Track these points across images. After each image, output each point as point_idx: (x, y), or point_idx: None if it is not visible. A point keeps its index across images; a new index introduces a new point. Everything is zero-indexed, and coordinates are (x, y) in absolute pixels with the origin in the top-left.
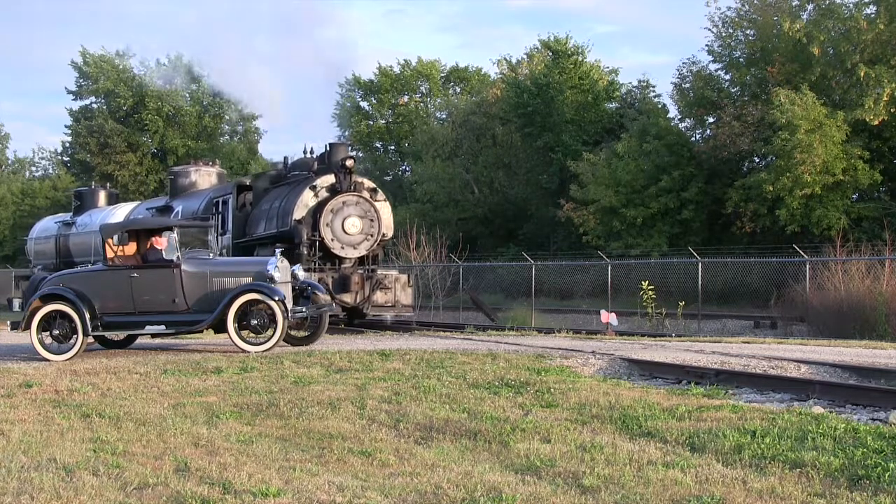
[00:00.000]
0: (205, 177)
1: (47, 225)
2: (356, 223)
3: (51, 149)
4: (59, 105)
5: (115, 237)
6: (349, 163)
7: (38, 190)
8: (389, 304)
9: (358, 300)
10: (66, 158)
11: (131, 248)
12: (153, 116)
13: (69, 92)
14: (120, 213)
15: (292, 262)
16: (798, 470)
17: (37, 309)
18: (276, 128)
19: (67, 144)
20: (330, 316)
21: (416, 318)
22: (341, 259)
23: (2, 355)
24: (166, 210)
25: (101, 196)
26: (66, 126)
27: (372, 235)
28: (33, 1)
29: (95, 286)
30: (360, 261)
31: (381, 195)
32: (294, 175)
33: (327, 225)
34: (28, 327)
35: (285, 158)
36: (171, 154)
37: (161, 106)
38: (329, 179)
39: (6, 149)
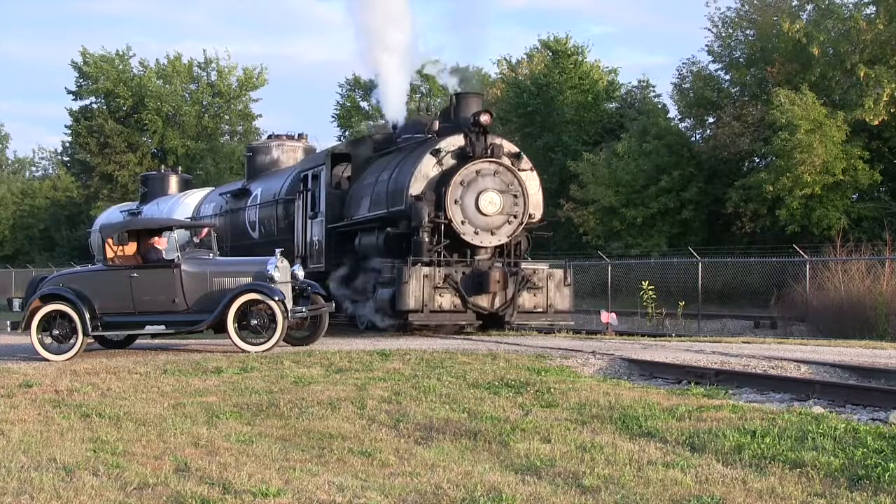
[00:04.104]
0: (289, 153)
1: (113, 215)
2: (495, 200)
3: (51, 149)
4: (59, 105)
5: (115, 237)
6: (484, 119)
7: (38, 190)
8: (539, 310)
9: (497, 304)
10: (66, 158)
11: (131, 248)
12: (153, 116)
13: (69, 92)
14: (190, 200)
15: (409, 252)
16: (798, 470)
17: (37, 309)
18: (275, 127)
19: (67, 144)
20: (460, 325)
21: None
22: (475, 249)
23: (2, 355)
24: (243, 194)
25: (172, 182)
26: (66, 126)
27: (515, 216)
28: (33, 1)
29: (95, 286)
30: (500, 251)
31: (526, 162)
32: (406, 139)
33: (456, 202)
34: (28, 327)
35: (394, 124)
36: (171, 154)
37: (161, 106)
38: (457, 142)
39: (6, 149)
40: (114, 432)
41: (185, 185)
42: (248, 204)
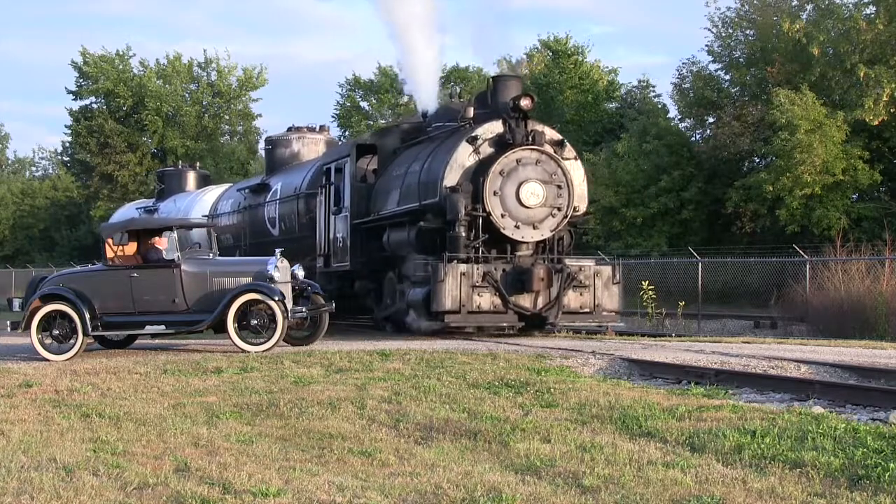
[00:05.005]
0: (310, 145)
1: (128, 213)
2: (537, 191)
3: (51, 149)
4: (59, 105)
5: (115, 237)
6: (525, 103)
7: (38, 190)
8: (586, 310)
9: (541, 304)
10: (66, 158)
11: (131, 248)
12: (153, 116)
13: (69, 92)
14: (208, 197)
15: (444, 249)
16: (798, 470)
17: (37, 309)
18: (275, 127)
19: (67, 144)
20: (500, 327)
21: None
22: (515, 244)
23: (2, 355)
24: (262, 189)
25: (190, 178)
26: (66, 126)
27: (559, 209)
28: (33, 1)
29: (95, 286)
30: (542, 247)
31: (569, 150)
32: (437, 127)
33: (495, 194)
34: (28, 327)
35: (424, 111)
36: (171, 154)
37: (161, 106)
38: (494, 128)
39: (6, 149)
40: (114, 432)
41: (203, 182)
42: (268, 199)
